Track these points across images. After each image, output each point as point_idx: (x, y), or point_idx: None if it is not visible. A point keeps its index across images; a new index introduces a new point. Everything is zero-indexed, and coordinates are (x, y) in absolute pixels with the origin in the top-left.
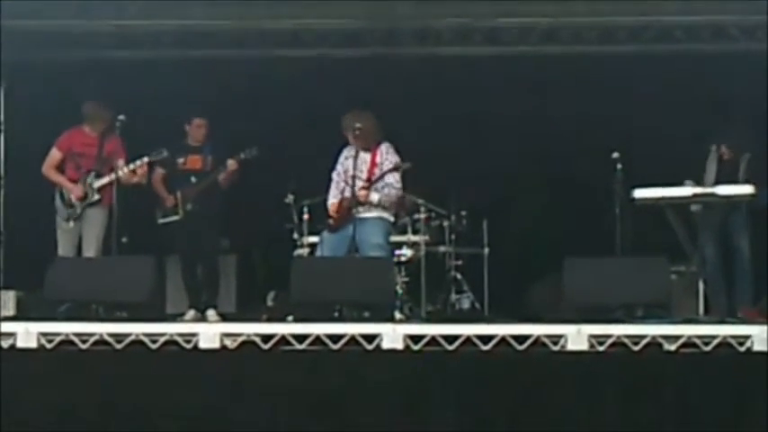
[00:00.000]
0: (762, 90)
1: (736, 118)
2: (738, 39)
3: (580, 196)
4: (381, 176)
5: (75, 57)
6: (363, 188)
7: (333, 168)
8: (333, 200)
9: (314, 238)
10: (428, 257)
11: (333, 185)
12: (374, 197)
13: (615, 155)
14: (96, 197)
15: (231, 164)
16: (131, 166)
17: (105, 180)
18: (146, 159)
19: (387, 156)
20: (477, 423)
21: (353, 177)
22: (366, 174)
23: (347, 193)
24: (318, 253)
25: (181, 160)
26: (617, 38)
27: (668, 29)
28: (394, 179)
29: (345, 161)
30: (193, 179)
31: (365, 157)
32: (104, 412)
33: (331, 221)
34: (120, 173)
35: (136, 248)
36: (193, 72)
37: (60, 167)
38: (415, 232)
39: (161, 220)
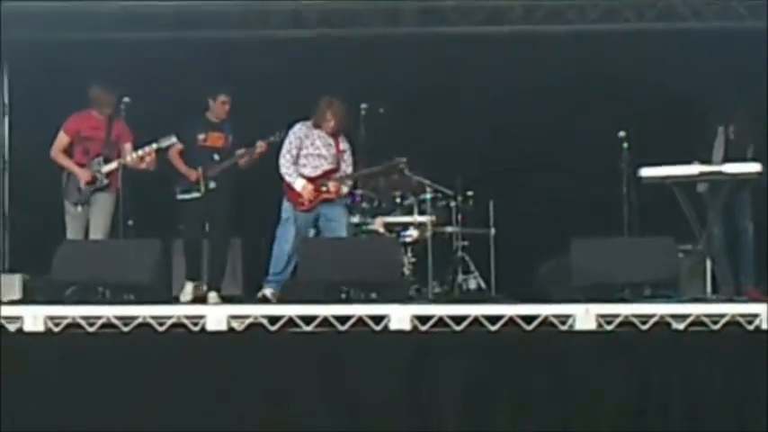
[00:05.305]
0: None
1: (743, 99)
2: (745, 17)
3: (587, 175)
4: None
5: (80, 38)
6: (338, 181)
7: (283, 143)
8: (301, 180)
9: None
10: (435, 238)
11: (289, 162)
12: (344, 190)
13: (622, 134)
14: (105, 182)
15: (260, 145)
16: (140, 153)
17: (113, 165)
18: (154, 146)
19: (348, 145)
20: (485, 403)
21: (319, 157)
22: (336, 159)
23: (307, 172)
24: (286, 230)
25: (201, 136)
26: (622, 16)
27: (674, 6)
28: (350, 170)
29: (306, 140)
30: (216, 157)
31: (328, 140)
32: (112, 395)
33: (305, 203)
34: (128, 158)
35: (142, 231)
36: (197, 54)
37: (68, 151)
38: (422, 213)
39: (181, 196)
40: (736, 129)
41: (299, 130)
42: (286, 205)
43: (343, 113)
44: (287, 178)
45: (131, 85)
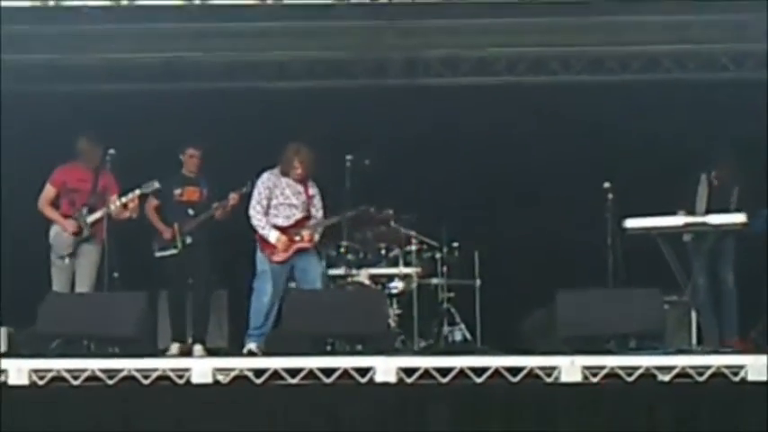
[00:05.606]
0: (752, 117)
1: (725, 146)
2: (728, 68)
3: (572, 226)
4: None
5: (67, 90)
6: (311, 228)
7: (252, 194)
8: (274, 232)
9: None
10: (420, 290)
11: (260, 213)
12: (317, 237)
13: (606, 185)
14: (90, 232)
15: (233, 197)
16: (123, 200)
17: (98, 215)
18: (137, 192)
19: (317, 189)
20: None
21: (290, 206)
22: (306, 206)
23: (279, 220)
24: (264, 283)
25: (177, 191)
26: (606, 67)
27: (657, 58)
28: (320, 215)
29: (275, 189)
30: (191, 211)
31: (297, 188)
32: None
33: (282, 256)
34: (112, 207)
35: (126, 283)
36: (185, 105)
37: (55, 203)
38: (407, 264)
39: (159, 254)
40: (718, 174)
41: (267, 179)
42: (260, 257)
43: (311, 160)
44: (260, 231)
45: (118, 137)
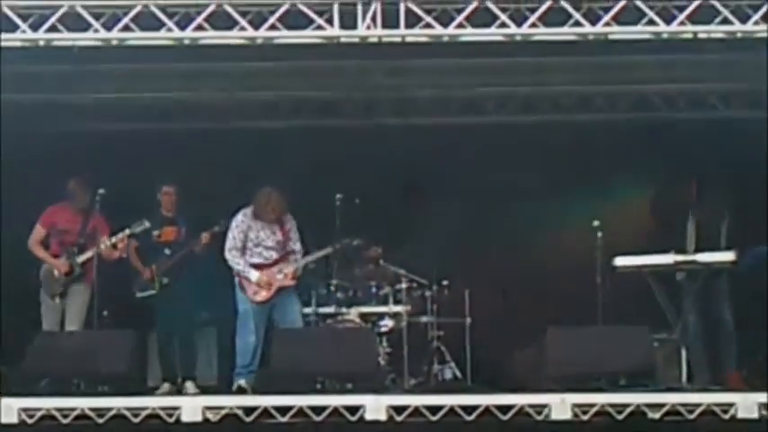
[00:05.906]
0: (739, 156)
1: (713, 184)
2: (716, 107)
3: (561, 264)
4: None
5: (57, 129)
6: (293, 265)
7: (227, 236)
8: (254, 272)
9: None
10: (410, 328)
11: (237, 256)
12: (298, 272)
13: (596, 223)
14: (80, 271)
15: (205, 237)
16: (113, 240)
17: (88, 254)
18: (127, 231)
19: (293, 223)
20: None
21: (267, 249)
22: (283, 244)
23: (256, 260)
24: (247, 321)
25: (156, 233)
26: (595, 106)
27: (646, 97)
28: (298, 247)
29: (250, 232)
30: (167, 251)
31: (272, 228)
32: None
33: (264, 294)
34: (102, 246)
35: (116, 322)
36: (175, 144)
37: (45, 243)
38: (397, 303)
39: (139, 294)
40: (707, 212)
41: (241, 222)
42: (242, 297)
43: (282, 204)
44: (241, 274)
45: (108, 176)
